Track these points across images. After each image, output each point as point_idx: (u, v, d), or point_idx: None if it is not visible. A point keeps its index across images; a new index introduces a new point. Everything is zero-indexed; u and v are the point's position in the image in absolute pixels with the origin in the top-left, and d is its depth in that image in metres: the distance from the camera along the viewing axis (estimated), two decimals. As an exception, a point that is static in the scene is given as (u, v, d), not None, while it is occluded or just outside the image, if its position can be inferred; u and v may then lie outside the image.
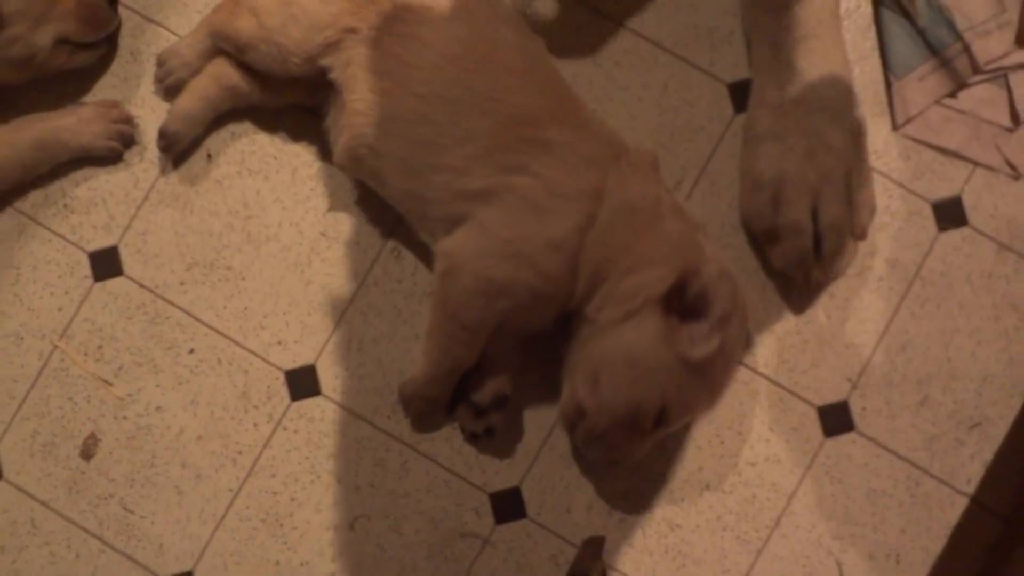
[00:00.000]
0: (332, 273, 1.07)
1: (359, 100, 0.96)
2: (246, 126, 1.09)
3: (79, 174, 1.09)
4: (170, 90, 1.08)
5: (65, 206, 1.09)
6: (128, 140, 1.08)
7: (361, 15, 0.96)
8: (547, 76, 0.98)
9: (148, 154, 1.09)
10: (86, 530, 1.06)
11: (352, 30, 0.96)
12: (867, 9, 1.10)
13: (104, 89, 1.10)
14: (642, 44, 1.10)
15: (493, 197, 0.92)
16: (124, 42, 1.10)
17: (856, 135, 1.01)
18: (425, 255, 1.05)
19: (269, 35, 0.99)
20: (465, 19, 0.96)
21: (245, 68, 1.04)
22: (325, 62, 0.98)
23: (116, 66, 1.10)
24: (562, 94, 0.97)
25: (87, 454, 1.06)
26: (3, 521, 1.06)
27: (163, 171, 1.09)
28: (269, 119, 1.09)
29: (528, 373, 1.03)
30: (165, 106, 1.09)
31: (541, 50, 0.99)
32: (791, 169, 0.98)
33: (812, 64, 0.99)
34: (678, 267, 0.90)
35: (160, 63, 1.08)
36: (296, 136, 1.09)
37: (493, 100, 0.93)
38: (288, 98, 1.06)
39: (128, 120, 1.08)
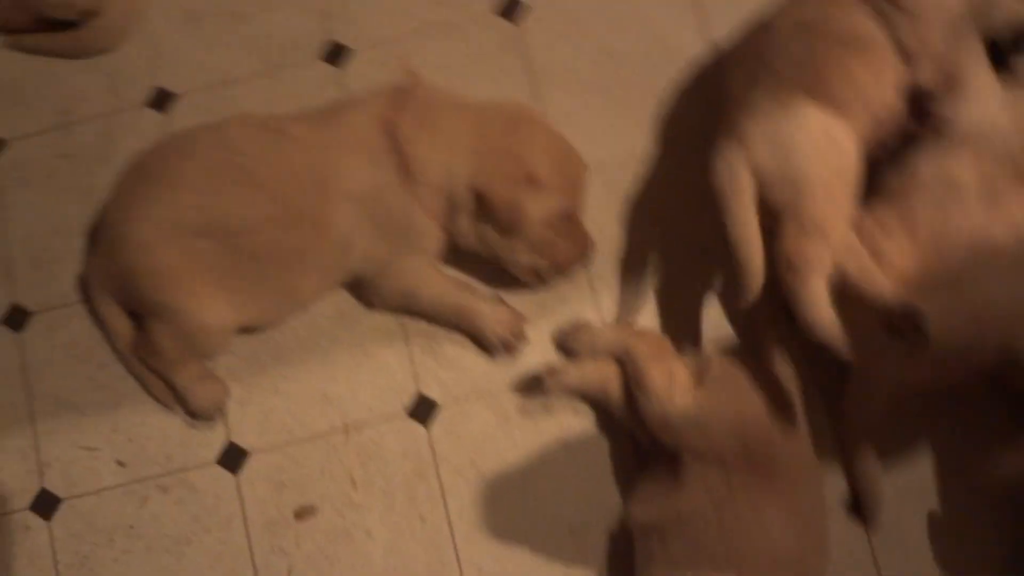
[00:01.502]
0: None
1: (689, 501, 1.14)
2: (586, 409, 1.28)
3: (459, 337, 1.30)
4: (563, 349, 1.28)
5: (431, 349, 1.30)
6: (511, 350, 1.28)
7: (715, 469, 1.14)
8: None
9: (514, 369, 1.29)
10: (252, 557, 1.26)
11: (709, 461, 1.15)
12: None
13: (523, 299, 1.30)
14: None
15: None
16: (570, 289, 1.31)
17: None
18: None
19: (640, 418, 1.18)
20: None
21: (626, 389, 1.23)
22: (684, 456, 1.16)
23: (548, 295, 1.30)
24: None
25: (299, 515, 1.27)
26: (210, 499, 1.27)
27: (515, 387, 1.29)
28: (606, 421, 1.28)
29: None
30: (549, 346, 1.29)
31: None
32: None
33: None
34: None
35: (575, 328, 1.27)
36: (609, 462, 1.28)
37: None
38: (631, 426, 1.25)
39: (523, 338, 1.28)
